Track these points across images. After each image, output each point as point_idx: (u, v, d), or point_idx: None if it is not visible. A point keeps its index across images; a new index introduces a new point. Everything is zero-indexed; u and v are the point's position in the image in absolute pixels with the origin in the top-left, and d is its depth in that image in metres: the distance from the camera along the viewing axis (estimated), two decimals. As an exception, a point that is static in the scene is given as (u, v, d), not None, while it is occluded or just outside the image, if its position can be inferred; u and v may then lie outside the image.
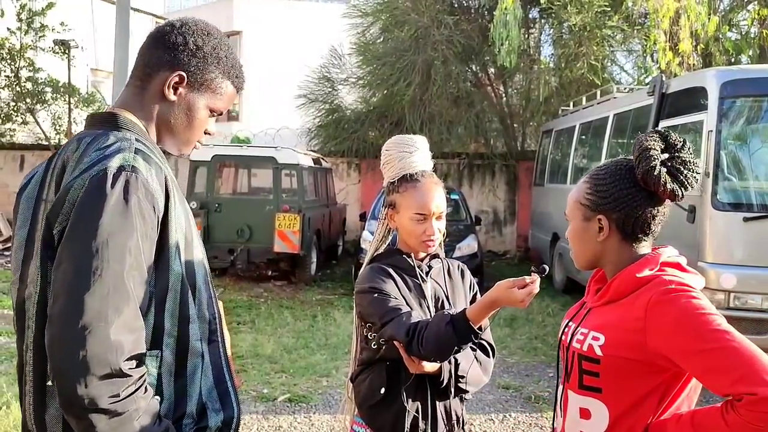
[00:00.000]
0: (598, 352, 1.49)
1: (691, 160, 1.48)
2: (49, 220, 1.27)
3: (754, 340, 5.05)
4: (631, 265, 1.51)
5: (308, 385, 5.23)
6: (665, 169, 1.46)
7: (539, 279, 1.68)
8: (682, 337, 1.36)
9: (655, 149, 1.47)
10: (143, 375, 1.25)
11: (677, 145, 1.49)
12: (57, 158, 1.39)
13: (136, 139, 1.35)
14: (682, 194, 1.48)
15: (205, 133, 1.51)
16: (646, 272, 1.48)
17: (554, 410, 1.67)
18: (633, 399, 1.46)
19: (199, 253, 1.43)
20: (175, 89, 1.43)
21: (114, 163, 1.26)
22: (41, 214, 1.36)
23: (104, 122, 1.41)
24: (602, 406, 1.50)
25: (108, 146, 1.30)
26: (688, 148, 1.49)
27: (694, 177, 1.48)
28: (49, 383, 1.28)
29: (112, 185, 1.23)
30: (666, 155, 1.48)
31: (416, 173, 1.99)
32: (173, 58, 1.41)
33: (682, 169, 1.46)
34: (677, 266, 1.52)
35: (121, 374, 1.19)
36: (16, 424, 4.15)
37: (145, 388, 1.25)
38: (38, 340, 1.28)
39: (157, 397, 1.30)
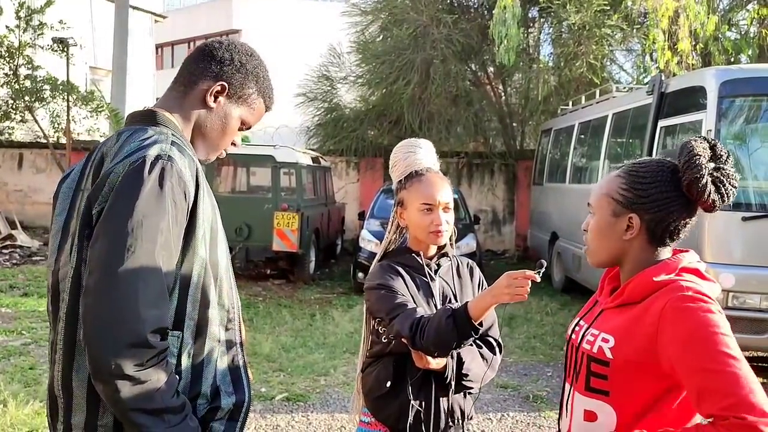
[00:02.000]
0: (608, 354, 1.47)
1: (733, 174, 1.44)
2: (90, 200, 1.38)
3: (753, 339, 5.05)
4: (648, 267, 1.47)
5: (306, 384, 5.23)
6: (711, 180, 1.41)
7: (538, 276, 1.68)
8: (690, 350, 1.34)
9: (704, 157, 1.42)
10: (165, 349, 1.34)
11: (722, 156, 1.44)
12: (97, 152, 1.50)
13: (172, 134, 1.47)
14: (719, 207, 1.44)
15: (232, 144, 1.64)
16: (663, 276, 1.44)
17: (560, 410, 1.65)
18: (641, 403, 1.44)
19: (223, 245, 1.52)
20: (216, 97, 1.56)
21: (152, 152, 1.37)
22: (78, 202, 1.46)
23: (144, 118, 1.52)
24: (609, 408, 1.48)
25: (147, 138, 1.42)
26: (732, 161, 1.46)
27: (733, 191, 1.44)
28: (77, 352, 1.38)
29: (149, 172, 1.34)
30: (712, 165, 1.43)
31: (421, 169, 2.07)
32: (220, 70, 1.56)
33: (725, 182, 1.42)
34: (696, 272, 1.48)
35: (146, 344, 1.29)
36: (13, 422, 4.15)
37: (166, 362, 1.34)
38: (71, 311, 1.38)
39: (175, 374, 1.38)
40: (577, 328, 1.62)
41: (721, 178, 1.43)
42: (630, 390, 1.45)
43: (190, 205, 1.40)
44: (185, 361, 1.42)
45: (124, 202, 1.32)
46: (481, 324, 1.79)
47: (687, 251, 1.53)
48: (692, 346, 1.34)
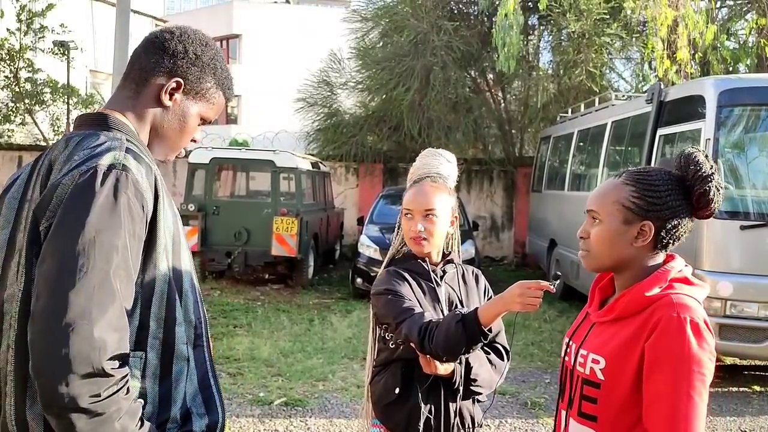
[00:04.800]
0: (600, 376, 1.47)
1: (722, 183, 1.52)
2: (36, 216, 1.26)
3: (750, 348, 5.07)
4: (641, 282, 1.49)
5: (305, 389, 5.23)
6: (716, 191, 1.49)
7: (553, 288, 1.68)
8: (663, 373, 1.38)
9: (708, 169, 1.48)
10: (125, 376, 1.23)
11: (714, 166, 1.51)
12: (44, 159, 1.38)
13: (127, 139, 1.35)
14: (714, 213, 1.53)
15: (192, 141, 1.54)
16: (656, 290, 1.46)
17: None
18: (626, 428, 1.44)
19: (186, 257, 1.42)
20: (171, 95, 1.44)
21: (104, 161, 1.25)
22: (24, 215, 1.35)
23: (94, 122, 1.40)
24: None
25: (98, 145, 1.30)
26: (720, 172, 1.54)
27: (722, 200, 1.52)
28: (31, 382, 1.26)
29: (102, 183, 1.22)
30: (715, 176, 1.50)
31: (421, 176, 2.09)
32: (173, 65, 1.43)
33: (720, 190, 1.50)
34: (685, 281, 1.50)
35: (103, 374, 1.17)
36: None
37: (127, 389, 1.23)
38: (20, 339, 1.25)
39: (140, 400, 1.28)
40: (569, 350, 1.62)
41: (718, 187, 1.49)
42: (617, 415, 1.45)
43: (149, 217, 1.29)
44: (151, 385, 1.31)
45: (74, 217, 1.19)
46: (490, 330, 1.80)
47: (673, 258, 1.56)
48: (669, 371, 1.37)
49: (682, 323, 1.38)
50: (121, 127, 1.39)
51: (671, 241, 1.52)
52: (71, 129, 1.46)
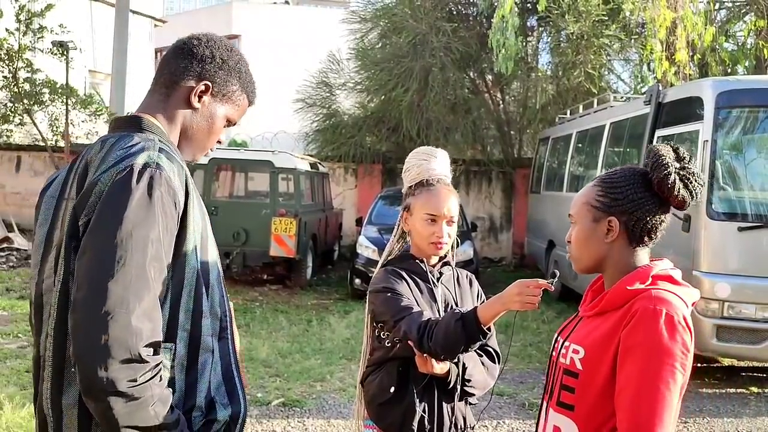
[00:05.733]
0: (579, 366, 1.50)
1: (697, 173, 1.53)
2: (76, 212, 1.34)
3: (748, 349, 5.08)
4: (624, 277, 1.52)
5: (302, 389, 5.23)
6: (678, 177, 1.50)
7: (552, 286, 1.71)
8: (634, 362, 1.40)
9: (669, 158, 1.51)
10: (159, 363, 1.30)
11: (686, 158, 1.54)
12: (80, 160, 1.46)
13: (159, 140, 1.43)
14: (689, 203, 1.53)
15: (217, 142, 1.62)
16: (637, 285, 1.49)
17: (536, 429, 1.67)
18: (602, 419, 1.46)
19: (213, 252, 1.49)
20: (200, 98, 1.52)
21: (139, 160, 1.33)
22: (62, 212, 1.42)
23: (128, 124, 1.49)
24: (572, 425, 1.50)
25: (132, 145, 1.38)
26: (694, 163, 1.55)
27: (700, 188, 1.53)
28: (67, 369, 1.34)
29: (138, 181, 1.30)
30: (678, 165, 1.52)
31: (432, 179, 2.09)
32: (201, 69, 1.52)
33: (692, 179, 1.51)
34: (669, 279, 1.52)
35: (139, 359, 1.25)
36: (9, 425, 4.14)
37: (160, 376, 1.31)
38: (59, 327, 1.34)
39: (170, 388, 1.35)
40: (556, 344, 1.65)
41: (688, 176, 1.51)
42: (594, 404, 1.47)
43: (180, 214, 1.37)
44: (178, 374, 1.39)
45: (112, 212, 1.28)
46: (489, 329, 1.82)
47: (661, 259, 1.58)
48: (637, 359, 1.40)
49: (656, 314, 1.41)
50: (154, 129, 1.47)
51: (643, 235, 1.54)
52: (108, 131, 1.53)
